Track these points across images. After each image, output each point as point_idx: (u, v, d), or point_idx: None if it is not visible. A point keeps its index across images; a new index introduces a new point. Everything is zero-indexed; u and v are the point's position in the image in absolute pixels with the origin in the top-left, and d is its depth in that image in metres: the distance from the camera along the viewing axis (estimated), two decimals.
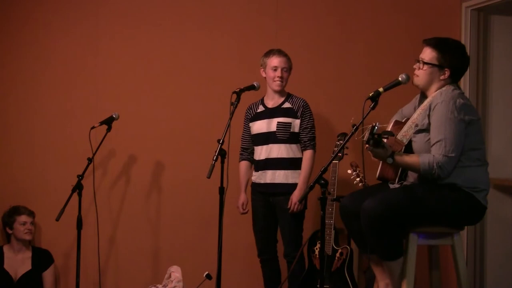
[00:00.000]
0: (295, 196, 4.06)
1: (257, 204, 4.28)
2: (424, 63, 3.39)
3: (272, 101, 4.23)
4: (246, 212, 4.31)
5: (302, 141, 4.14)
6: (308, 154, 4.13)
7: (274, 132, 4.14)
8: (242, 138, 4.34)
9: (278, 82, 4.14)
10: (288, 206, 4.07)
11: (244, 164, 4.33)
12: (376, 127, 3.09)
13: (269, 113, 4.21)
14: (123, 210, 4.76)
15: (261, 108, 4.26)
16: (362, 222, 3.34)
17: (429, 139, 3.33)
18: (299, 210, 4.09)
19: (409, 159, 3.32)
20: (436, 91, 3.40)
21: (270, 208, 4.21)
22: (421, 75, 3.42)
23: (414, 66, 3.44)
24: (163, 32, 4.79)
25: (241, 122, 4.32)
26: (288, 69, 4.17)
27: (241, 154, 4.35)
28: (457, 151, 3.26)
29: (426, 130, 3.35)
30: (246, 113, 4.33)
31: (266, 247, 4.28)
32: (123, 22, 4.78)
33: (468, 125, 3.30)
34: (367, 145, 3.17)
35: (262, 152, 4.20)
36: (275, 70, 4.15)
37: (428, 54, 3.40)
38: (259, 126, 4.22)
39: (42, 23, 4.76)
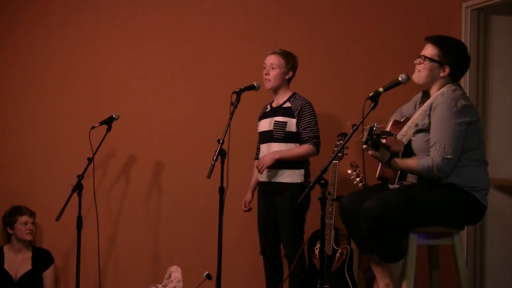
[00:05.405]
0: (266, 158, 4.04)
1: (260, 203, 4.30)
2: (425, 57, 3.40)
3: (276, 100, 4.25)
4: (249, 210, 4.32)
5: (304, 140, 4.13)
6: (306, 145, 4.10)
7: (272, 130, 4.15)
8: (258, 139, 4.37)
9: (266, 79, 4.16)
10: (257, 165, 4.08)
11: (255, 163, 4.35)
12: (374, 128, 3.09)
13: (272, 113, 4.22)
14: (123, 210, 4.76)
15: (268, 108, 4.29)
16: (362, 223, 3.34)
17: (429, 139, 3.33)
18: (263, 169, 4.07)
19: (408, 163, 3.33)
20: (438, 90, 3.41)
21: (271, 207, 4.22)
22: (421, 69, 3.42)
23: (415, 62, 3.44)
24: (163, 32, 4.79)
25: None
26: (277, 66, 4.15)
27: (256, 154, 4.40)
28: (456, 153, 3.27)
29: (426, 130, 3.35)
30: (260, 113, 4.36)
31: (268, 245, 4.28)
32: (123, 22, 4.78)
33: (468, 126, 3.30)
34: (365, 146, 3.17)
35: (263, 151, 4.21)
36: (264, 68, 4.17)
37: (429, 50, 3.41)
38: (263, 125, 4.24)
39: (42, 23, 4.77)
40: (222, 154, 3.74)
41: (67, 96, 4.77)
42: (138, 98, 4.77)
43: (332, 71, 4.83)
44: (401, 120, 3.64)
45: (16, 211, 4.53)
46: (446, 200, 3.32)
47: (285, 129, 4.12)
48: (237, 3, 4.82)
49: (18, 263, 4.54)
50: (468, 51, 3.54)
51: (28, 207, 4.57)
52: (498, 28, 4.83)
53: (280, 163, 4.10)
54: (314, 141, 4.11)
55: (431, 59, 3.39)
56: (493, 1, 4.59)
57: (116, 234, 4.75)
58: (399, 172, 3.48)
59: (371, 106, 3.20)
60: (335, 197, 4.13)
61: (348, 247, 4.12)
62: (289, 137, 4.13)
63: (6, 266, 4.50)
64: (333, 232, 4.12)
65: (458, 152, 3.28)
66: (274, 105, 4.26)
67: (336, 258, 4.13)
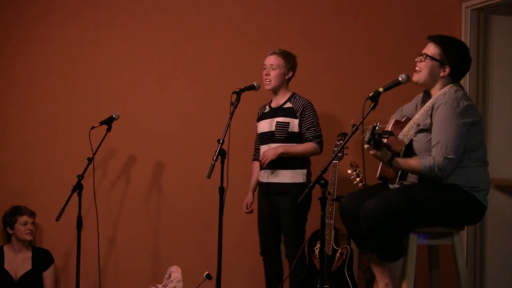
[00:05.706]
0: (269, 152, 4.05)
1: (261, 203, 4.29)
2: (427, 56, 3.40)
3: (276, 101, 4.25)
4: (250, 212, 4.32)
5: (307, 140, 4.12)
6: (310, 143, 4.10)
7: (273, 131, 4.15)
8: (255, 139, 4.37)
9: (266, 80, 4.16)
10: (261, 159, 4.08)
11: (255, 164, 4.33)
12: (377, 127, 3.09)
13: (272, 113, 4.22)
14: (123, 210, 4.76)
15: (267, 109, 4.29)
16: (362, 223, 3.34)
17: (430, 139, 3.33)
18: (267, 164, 4.08)
19: (409, 163, 3.33)
20: (439, 90, 3.40)
21: (272, 208, 4.21)
22: (422, 67, 3.42)
23: (416, 59, 3.44)
24: (163, 32, 4.79)
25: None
26: (277, 66, 4.15)
27: (254, 154, 4.39)
28: (457, 153, 3.26)
29: (428, 130, 3.35)
30: (257, 113, 4.36)
31: (268, 246, 4.28)
32: (123, 22, 4.78)
33: (470, 127, 3.30)
34: (367, 146, 3.17)
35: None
36: (264, 69, 4.17)
37: (431, 49, 3.41)
38: (263, 126, 4.24)
39: (42, 23, 4.77)
40: (222, 154, 3.74)
41: (67, 96, 4.77)
42: (138, 98, 4.77)
43: (332, 71, 4.83)
44: (402, 120, 3.64)
45: (16, 211, 4.53)
46: (446, 200, 3.32)
47: (287, 130, 4.12)
48: (237, 3, 4.82)
49: (18, 263, 4.54)
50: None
51: (28, 207, 4.57)
52: (498, 28, 4.83)
53: (283, 163, 4.10)
54: (317, 140, 4.12)
55: (432, 58, 3.39)
56: (493, 1, 4.59)
57: (116, 234, 4.75)
58: (399, 172, 3.48)
59: (371, 106, 3.20)
60: (335, 197, 4.13)
61: (348, 247, 4.12)
62: (290, 137, 4.13)
63: (6, 266, 4.50)
64: (333, 232, 4.12)
65: (459, 153, 3.28)
66: (273, 105, 4.26)
67: (336, 258, 4.13)
